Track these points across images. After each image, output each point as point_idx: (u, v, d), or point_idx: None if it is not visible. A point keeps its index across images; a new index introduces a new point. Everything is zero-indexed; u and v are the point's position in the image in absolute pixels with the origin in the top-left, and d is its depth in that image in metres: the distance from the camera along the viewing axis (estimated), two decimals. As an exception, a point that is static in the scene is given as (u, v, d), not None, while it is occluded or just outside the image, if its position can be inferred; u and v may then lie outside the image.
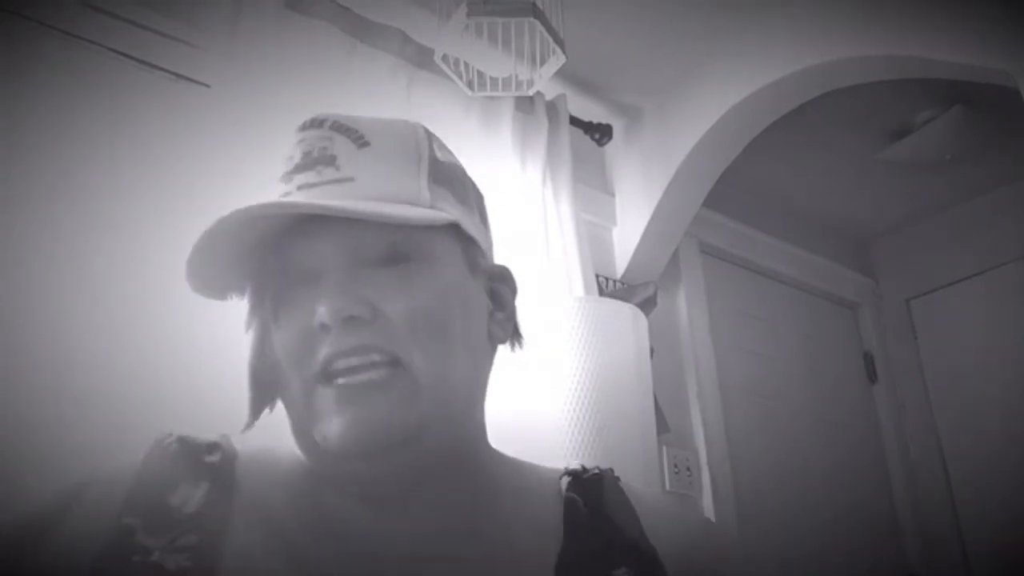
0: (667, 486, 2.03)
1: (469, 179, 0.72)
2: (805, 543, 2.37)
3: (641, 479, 1.46)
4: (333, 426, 0.58)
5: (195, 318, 1.22)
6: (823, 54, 1.89)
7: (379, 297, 0.60)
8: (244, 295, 0.65)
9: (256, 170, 1.26)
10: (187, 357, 1.27)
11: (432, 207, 0.63)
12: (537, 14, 1.42)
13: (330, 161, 0.62)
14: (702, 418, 2.23)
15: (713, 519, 2.09)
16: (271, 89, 1.46)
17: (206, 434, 0.66)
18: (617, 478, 0.72)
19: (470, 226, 0.67)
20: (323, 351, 0.58)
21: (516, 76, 1.60)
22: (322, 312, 0.58)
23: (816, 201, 2.82)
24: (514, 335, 0.71)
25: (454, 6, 1.43)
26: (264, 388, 0.64)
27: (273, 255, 0.62)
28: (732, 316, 2.53)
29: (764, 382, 2.53)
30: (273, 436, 0.67)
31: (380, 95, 1.67)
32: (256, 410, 0.65)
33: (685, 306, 2.35)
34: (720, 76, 2.07)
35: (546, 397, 1.45)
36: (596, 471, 0.71)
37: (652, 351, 1.66)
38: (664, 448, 2.04)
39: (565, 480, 0.70)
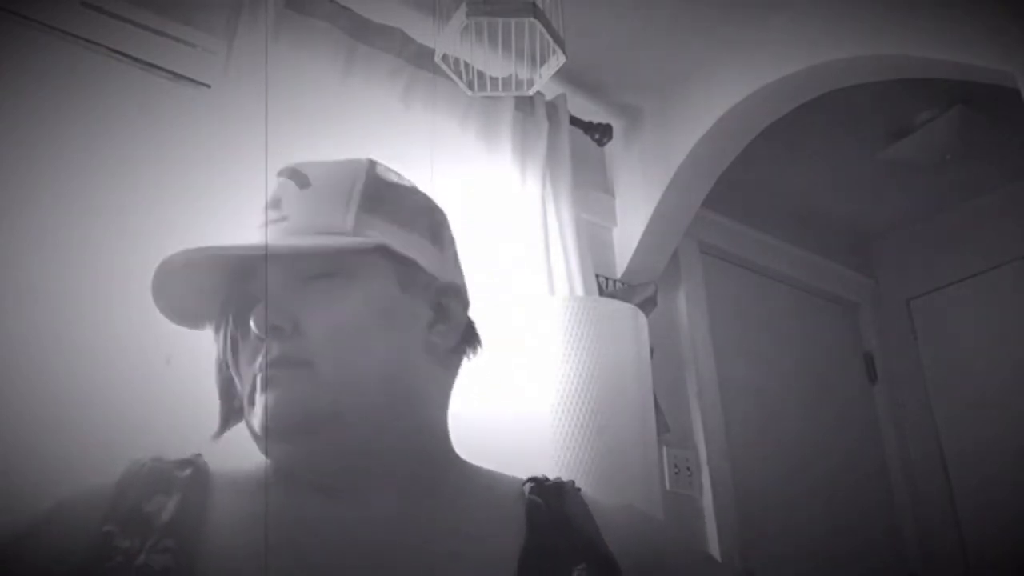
0: (667, 486, 2.03)
1: (421, 204, 0.80)
2: (805, 543, 2.37)
3: (641, 479, 1.46)
4: (258, 406, 0.68)
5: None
6: (823, 54, 1.89)
7: (304, 312, 0.70)
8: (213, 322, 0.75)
9: (256, 170, 1.25)
10: (188, 358, 1.27)
11: (356, 235, 0.72)
12: (537, 14, 1.41)
13: (276, 204, 0.75)
14: (702, 418, 2.23)
15: (713, 519, 2.10)
16: (271, 89, 1.45)
17: (178, 454, 0.72)
18: (577, 489, 0.78)
19: (402, 247, 0.74)
20: (260, 359, 0.69)
21: (516, 76, 1.59)
22: (251, 324, 0.69)
23: (816, 201, 2.82)
24: (466, 344, 0.79)
25: (454, 6, 1.43)
26: (229, 401, 0.74)
27: (238, 284, 0.73)
28: (732, 316, 2.53)
29: (764, 382, 2.53)
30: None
31: (380, 95, 1.67)
32: (225, 420, 0.75)
33: (685, 306, 2.35)
34: (720, 76, 2.07)
35: (546, 397, 1.45)
36: (558, 480, 0.79)
37: (652, 351, 1.66)
38: (664, 448, 2.04)
39: (528, 485, 0.77)
